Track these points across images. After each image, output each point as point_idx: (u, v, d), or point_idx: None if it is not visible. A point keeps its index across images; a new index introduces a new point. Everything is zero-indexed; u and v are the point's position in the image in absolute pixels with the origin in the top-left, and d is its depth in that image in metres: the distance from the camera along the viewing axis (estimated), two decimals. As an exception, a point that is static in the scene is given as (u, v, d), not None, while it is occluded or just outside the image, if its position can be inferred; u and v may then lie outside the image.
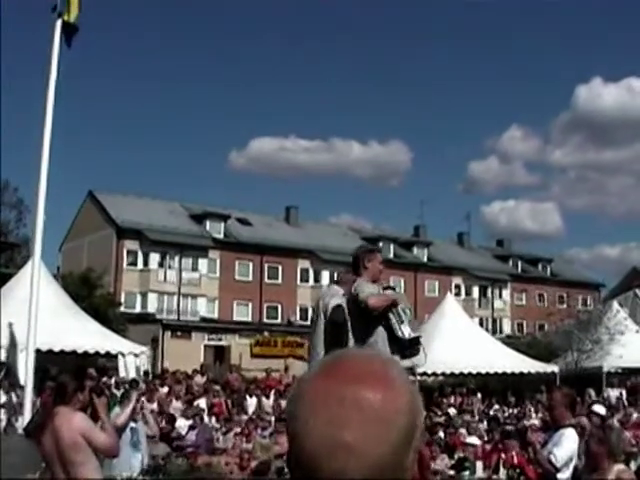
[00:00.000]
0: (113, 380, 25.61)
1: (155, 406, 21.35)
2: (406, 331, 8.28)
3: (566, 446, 8.67)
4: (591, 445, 8.06)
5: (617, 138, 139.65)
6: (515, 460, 14.28)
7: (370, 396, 1.39)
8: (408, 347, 8.16)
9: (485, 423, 21.60)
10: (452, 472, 12.44)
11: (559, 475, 8.50)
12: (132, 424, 12.84)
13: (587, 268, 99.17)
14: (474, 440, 16.23)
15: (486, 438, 17.24)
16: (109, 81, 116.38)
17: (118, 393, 23.66)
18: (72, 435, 7.35)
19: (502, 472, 12.08)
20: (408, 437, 1.40)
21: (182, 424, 18.53)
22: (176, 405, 22.10)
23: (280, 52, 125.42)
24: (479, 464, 12.67)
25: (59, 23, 15.18)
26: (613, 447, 7.55)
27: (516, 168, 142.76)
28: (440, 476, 11.57)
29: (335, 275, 11.01)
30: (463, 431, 18.52)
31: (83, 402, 8.00)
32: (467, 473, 11.69)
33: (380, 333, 8.29)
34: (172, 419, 19.16)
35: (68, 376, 8.11)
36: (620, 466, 7.48)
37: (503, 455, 14.71)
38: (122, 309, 56.74)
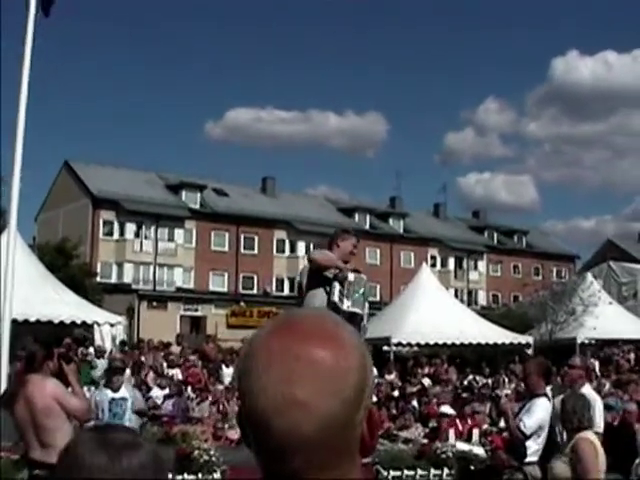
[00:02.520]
0: (92, 349, 25.60)
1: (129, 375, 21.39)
2: (345, 303, 8.26)
3: (536, 415, 8.79)
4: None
5: (592, 111, 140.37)
6: (485, 426, 14.46)
7: (322, 354, 1.42)
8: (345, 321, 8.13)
9: (459, 392, 21.74)
10: (425, 440, 12.56)
11: (528, 443, 8.62)
12: (114, 395, 12.87)
13: (562, 240, 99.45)
14: (447, 409, 16.36)
15: (459, 408, 17.37)
16: (85, 50, 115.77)
17: (99, 362, 23.74)
18: (45, 401, 7.40)
19: (474, 439, 12.21)
20: (359, 394, 1.44)
21: (157, 394, 18.58)
22: (150, 374, 22.13)
23: (257, 23, 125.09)
24: (451, 432, 12.79)
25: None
26: (567, 414, 7.65)
27: (492, 140, 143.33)
28: (413, 445, 11.68)
29: (311, 246, 11.05)
30: (436, 400, 18.66)
31: (53, 369, 8.05)
32: (439, 442, 11.82)
33: (319, 294, 8.31)
34: (147, 389, 19.22)
35: (37, 345, 8.15)
36: (582, 434, 7.56)
37: (473, 422, 14.90)
38: (98, 279, 56.66)
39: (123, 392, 13.02)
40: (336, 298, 8.19)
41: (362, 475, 1.52)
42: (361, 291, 8.51)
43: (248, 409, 1.44)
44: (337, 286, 8.27)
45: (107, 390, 12.97)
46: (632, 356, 30.88)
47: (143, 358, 25.02)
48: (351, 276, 8.50)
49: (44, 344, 8.57)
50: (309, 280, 8.40)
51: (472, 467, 10.93)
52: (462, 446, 11.51)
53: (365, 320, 8.60)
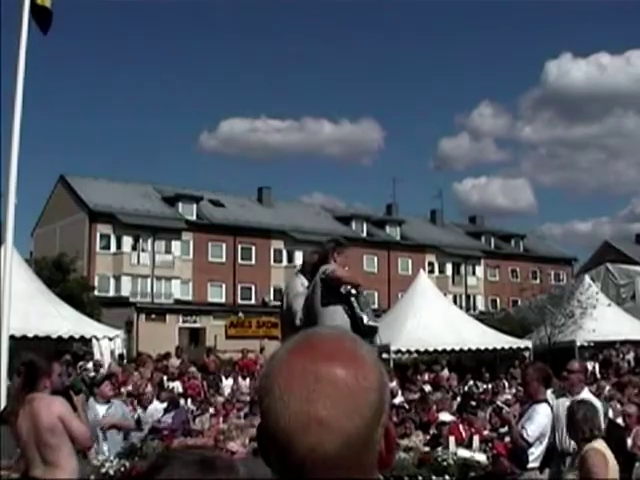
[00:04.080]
0: (90, 364, 25.54)
1: (130, 388, 21.37)
2: (365, 317, 8.39)
3: (538, 421, 8.80)
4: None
5: (587, 114, 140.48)
6: (485, 433, 14.43)
7: (343, 373, 1.44)
8: (365, 334, 8.22)
9: (459, 399, 21.73)
10: (427, 448, 12.54)
11: (531, 450, 8.61)
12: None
13: (559, 243, 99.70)
14: (446, 416, 16.34)
15: (459, 414, 17.35)
16: (79, 64, 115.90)
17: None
18: (51, 418, 7.37)
19: (475, 445, 12.19)
20: (378, 412, 1.47)
21: (157, 407, 18.53)
22: (148, 388, 22.09)
23: (250, 33, 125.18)
24: (452, 439, 12.76)
25: (28, 4, 15.07)
26: (578, 423, 7.60)
27: (487, 144, 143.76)
28: (414, 452, 11.66)
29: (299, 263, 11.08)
30: (436, 407, 18.64)
31: (51, 387, 8.02)
32: (440, 449, 11.80)
33: (339, 310, 8.38)
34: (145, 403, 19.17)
35: (35, 361, 8.11)
36: (592, 444, 7.52)
37: (474, 429, 14.86)
38: (96, 293, 56.70)
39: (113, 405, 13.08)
40: (360, 314, 8.31)
41: None
42: (369, 304, 8.65)
43: (270, 428, 1.46)
44: (354, 302, 8.38)
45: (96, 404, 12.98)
46: (631, 356, 30.90)
47: (142, 371, 24.96)
48: (360, 286, 8.63)
49: (43, 361, 8.54)
50: (324, 296, 8.44)
51: (473, 474, 10.92)
52: (464, 453, 11.50)
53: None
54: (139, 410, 18.18)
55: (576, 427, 7.58)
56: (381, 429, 1.48)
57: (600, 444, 7.53)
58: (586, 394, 10.46)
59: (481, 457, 11.51)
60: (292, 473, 1.44)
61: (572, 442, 10.00)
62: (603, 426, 10.10)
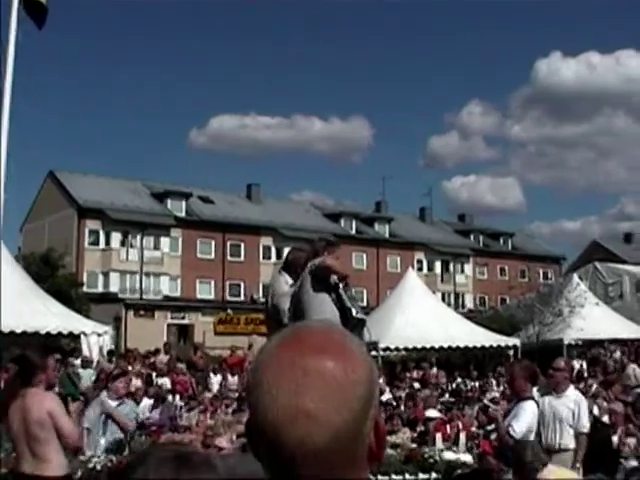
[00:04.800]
0: (79, 360, 25.50)
1: (123, 384, 21.30)
2: (354, 310, 8.40)
3: (524, 418, 8.84)
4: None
5: (576, 112, 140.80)
6: (473, 429, 14.47)
7: (332, 366, 1.44)
8: (354, 327, 8.22)
9: (447, 396, 21.80)
10: (414, 445, 12.57)
11: (518, 446, 8.63)
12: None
13: (548, 242, 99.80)
14: (434, 413, 16.36)
15: (446, 411, 17.41)
16: (70, 61, 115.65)
17: (85, 372, 23.75)
18: (41, 412, 7.38)
19: (462, 442, 12.22)
20: (367, 406, 1.46)
21: (145, 403, 18.54)
22: (137, 384, 22.07)
23: (241, 31, 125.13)
24: (438, 436, 12.79)
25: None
26: (532, 462, 7.59)
27: (476, 143, 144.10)
28: (401, 449, 11.69)
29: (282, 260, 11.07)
30: (424, 404, 18.68)
31: (47, 382, 8.01)
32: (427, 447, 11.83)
33: (327, 300, 8.39)
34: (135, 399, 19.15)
35: (31, 356, 8.09)
36: (546, 474, 7.51)
37: (461, 425, 14.90)
38: (84, 289, 56.57)
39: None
40: (348, 306, 8.32)
41: None
42: (356, 298, 8.67)
43: (258, 421, 1.46)
44: (343, 295, 8.39)
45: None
46: (618, 355, 31.00)
47: (130, 367, 24.94)
48: (348, 279, 8.65)
49: (40, 353, 8.52)
50: (313, 285, 8.43)
51: (460, 471, 10.94)
52: (449, 455, 11.50)
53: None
54: (130, 406, 18.15)
55: (529, 466, 7.52)
56: (370, 423, 1.48)
57: (548, 471, 7.51)
58: (571, 392, 10.53)
59: (467, 457, 11.54)
60: (281, 467, 1.44)
61: (558, 439, 10.09)
62: (584, 422, 10.21)
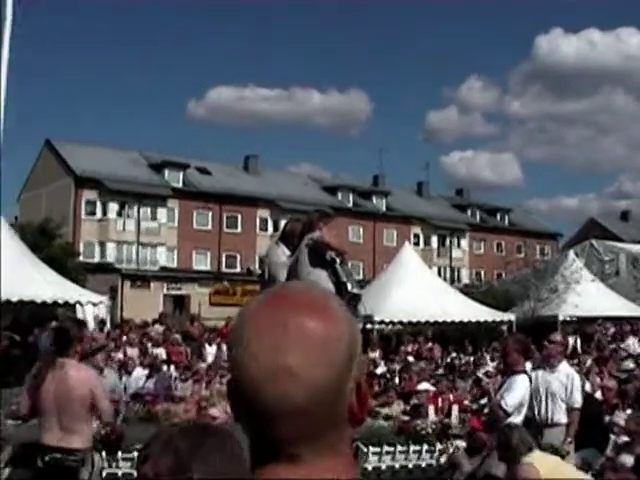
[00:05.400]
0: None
1: (121, 356, 21.39)
2: (349, 285, 8.43)
3: (516, 392, 8.87)
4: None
5: (576, 89, 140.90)
6: (466, 402, 14.54)
7: (312, 324, 1.43)
8: (349, 301, 8.24)
9: (441, 370, 21.86)
10: (406, 417, 12.64)
11: (510, 420, 8.68)
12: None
13: (546, 218, 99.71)
14: (427, 386, 16.44)
15: (440, 384, 17.46)
16: (66, 27, 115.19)
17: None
18: (83, 390, 7.27)
19: (454, 415, 12.30)
20: (348, 364, 1.45)
21: (140, 373, 18.59)
22: (133, 353, 22.12)
23: (239, 2, 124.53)
24: (431, 408, 12.87)
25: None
26: (517, 447, 7.64)
27: (475, 118, 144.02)
28: (394, 421, 11.77)
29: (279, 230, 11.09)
30: (417, 378, 18.76)
31: (81, 353, 7.97)
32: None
33: (323, 275, 8.41)
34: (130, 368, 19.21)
35: (68, 327, 8.03)
36: (526, 459, 7.56)
37: (452, 398, 14.97)
38: (81, 259, 56.47)
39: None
40: (343, 280, 8.34)
41: (350, 445, 1.54)
42: (353, 274, 8.70)
43: (238, 378, 1.45)
44: (340, 270, 8.41)
45: None
46: (611, 331, 31.06)
47: (125, 338, 25.01)
48: (345, 256, 8.68)
49: (77, 323, 8.47)
50: (310, 259, 8.46)
51: (451, 443, 11.03)
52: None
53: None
54: (124, 377, 18.22)
55: (515, 452, 7.58)
56: (352, 382, 1.47)
57: (532, 457, 7.56)
58: (564, 366, 10.59)
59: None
60: (260, 425, 1.43)
61: (550, 414, 10.15)
62: (577, 397, 10.27)
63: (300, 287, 1.60)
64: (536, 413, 10.05)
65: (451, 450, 11.09)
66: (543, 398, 10.18)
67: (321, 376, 1.42)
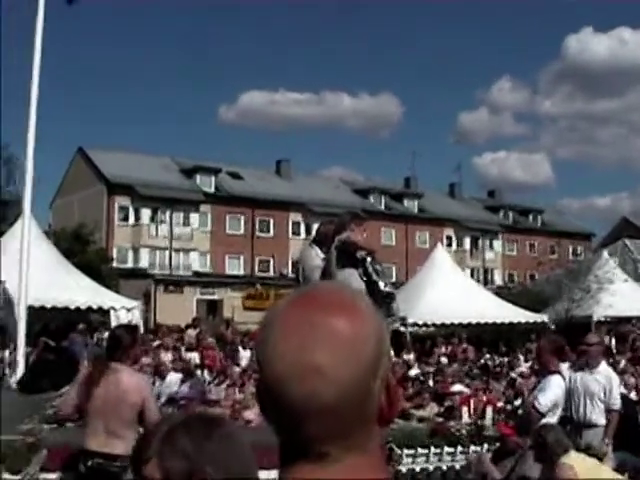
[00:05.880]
0: (106, 334, 25.64)
1: (150, 360, 21.45)
2: (381, 284, 8.39)
3: (550, 392, 8.81)
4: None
5: (607, 88, 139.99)
6: (499, 405, 14.48)
7: (340, 322, 1.42)
8: (382, 300, 8.20)
9: (475, 372, 21.79)
10: (440, 420, 12.61)
11: (544, 420, 8.63)
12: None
13: (578, 218, 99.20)
14: (461, 387, 16.40)
15: (474, 385, 17.41)
16: (99, 36, 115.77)
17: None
18: (136, 397, 7.24)
19: (488, 417, 12.25)
20: (376, 363, 1.44)
21: (173, 378, 18.63)
22: (167, 358, 22.18)
23: (269, 6, 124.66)
24: (465, 410, 12.84)
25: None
26: (553, 447, 7.60)
27: (506, 119, 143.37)
28: (428, 423, 11.75)
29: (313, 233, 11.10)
30: (451, 380, 18.72)
31: (134, 358, 7.98)
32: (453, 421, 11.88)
33: (354, 275, 8.39)
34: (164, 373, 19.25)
35: (123, 330, 8.04)
36: (564, 459, 7.53)
37: (486, 399, 14.91)
38: (114, 265, 56.78)
39: None
40: (374, 278, 8.31)
41: (379, 445, 1.52)
42: (385, 273, 8.67)
43: (265, 377, 1.45)
44: (370, 267, 8.38)
45: None
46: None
47: (159, 342, 25.07)
48: (375, 254, 8.66)
49: (129, 329, 8.48)
50: (340, 260, 8.44)
51: (486, 445, 11.00)
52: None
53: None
54: (157, 382, 18.25)
55: (552, 452, 7.56)
56: (380, 381, 1.46)
57: (569, 458, 7.53)
58: (603, 367, 10.52)
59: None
60: (288, 424, 1.43)
61: (589, 415, 10.09)
62: (619, 401, 10.21)
63: (328, 287, 1.60)
64: (574, 414, 10.00)
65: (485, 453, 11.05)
66: (582, 399, 10.12)
67: (349, 375, 1.41)
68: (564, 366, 9.94)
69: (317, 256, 9.08)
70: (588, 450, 9.13)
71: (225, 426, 2.04)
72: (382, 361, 1.47)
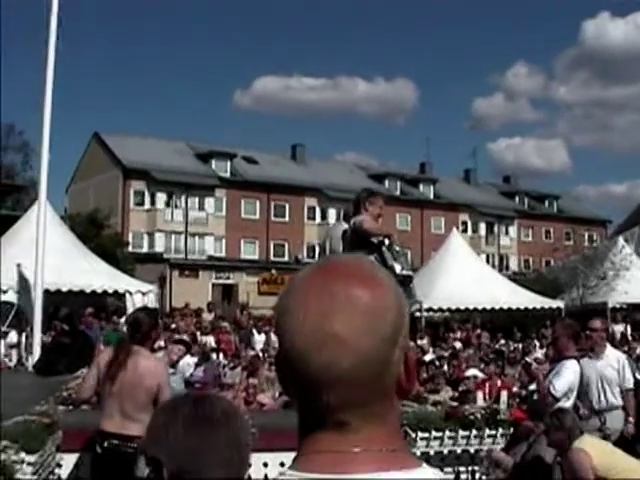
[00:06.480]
0: (124, 319, 25.73)
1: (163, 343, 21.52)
2: (397, 267, 8.39)
3: (565, 377, 8.82)
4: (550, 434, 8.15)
5: (624, 74, 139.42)
6: (515, 389, 14.46)
7: (360, 291, 1.44)
8: (399, 284, 8.18)
9: (490, 357, 21.77)
10: (455, 404, 12.61)
11: (559, 405, 8.63)
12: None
13: (594, 205, 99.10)
14: (476, 372, 16.39)
15: (488, 370, 17.40)
16: (112, 19, 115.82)
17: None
18: (152, 381, 7.25)
19: (503, 401, 12.23)
20: (395, 332, 1.45)
21: (189, 361, 18.68)
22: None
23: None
24: (479, 394, 12.83)
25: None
26: (570, 430, 7.63)
27: (522, 105, 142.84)
28: (442, 407, 11.74)
29: (342, 212, 11.16)
30: (466, 364, 18.74)
31: (154, 340, 8.01)
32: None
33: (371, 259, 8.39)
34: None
35: (143, 313, 8.06)
36: (577, 443, 7.55)
37: (500, 384, 14.91)
38: (130, 249, 56.95)
39: None
40: (390, 263, 8.31)
41: (397, 416, 1.53)
42: (402, 253, 8.64)
43: (285, 346, 1.46)
44: (386, 252, 8.38)
45: None
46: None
47: (174, 326, 25.13)
48: (392, 236, 8.66)
49: (150, 312, 8.49)
50: (353, 247, 8.45)
51: (500, 429, 11.00)
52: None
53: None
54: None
55: (566, 434, 7.58)
56: (399, 352, 1.47)
57: (581, 442, 7.55)
58: (610, 351, 10.54)
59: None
60: (307, 393, 1.44)
61: (610, 398, 10.10)
62: (629, 377, 10.23)
63: (349, 258, 1.59)
64: (594, 401, 10.02)
65: (499, 438, 11.06)
66: (599, 386, 10.12)
67: (367, 344, 1.42)
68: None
69: (344, 231, 9.09)
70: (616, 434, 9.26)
71: (221, 415, 2.06)
72: (401, 331, 1.48)
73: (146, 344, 7.62)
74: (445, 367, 19.60)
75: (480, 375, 16.18)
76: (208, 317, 28.24)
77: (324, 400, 1.43)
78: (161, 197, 67.62)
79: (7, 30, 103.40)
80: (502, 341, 28.33)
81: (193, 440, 2.04)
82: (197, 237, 68.10)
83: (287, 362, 1.46)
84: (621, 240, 40.24)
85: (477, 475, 10.91)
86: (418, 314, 28.58)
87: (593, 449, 7.46)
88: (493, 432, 11.11)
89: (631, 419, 10.09)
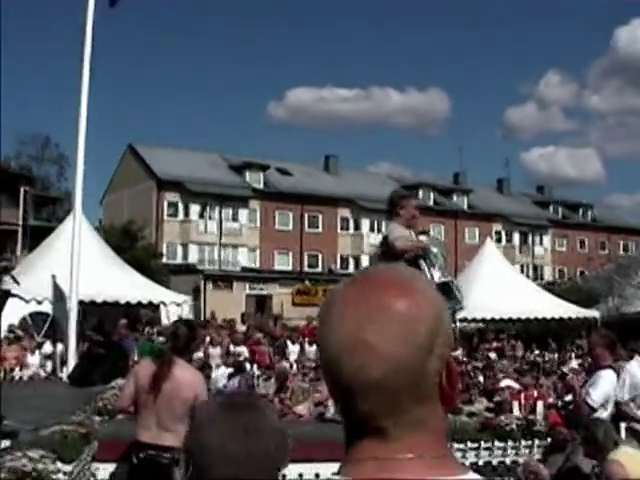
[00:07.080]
0: (155, 329, 25.83)
1: (201, 354, 21.55)
2: (436, 275, 8.32)
3: (602, 387, 8.75)
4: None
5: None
6: (550, 400, 14.37)
7: (394, 301, 1.46)
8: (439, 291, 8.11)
9: (525, 367, 21.66)
10: (490, 415, 12.55)
11: (596, 415, 8.57)
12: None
13: (629, 214, 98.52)
14: (511, 383, 16.32)
15: (523, 381, 17.31)
16: (147, 33, 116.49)
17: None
18: (189, 394, 7.25)
19: (539, 412, 12.16)
20: (429, 342, 1.46)
21: (223, 372, 18.71)
22: (215, 352, 22.28)
23: (317, 2, 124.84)
24: (515, 405, 12.78)
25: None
26: (603, 442, 7.56)
27: (554, 114, 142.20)
28: (477, 418, 11.69)
29: (375, 224, 11.12)
30: (502, 375, 18.64)
31: (193, 352, 8.03)
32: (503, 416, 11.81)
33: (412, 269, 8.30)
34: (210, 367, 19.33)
35: (183, 324, 8.08)
36: (610, 455, 7.48)
37: (536, 394, 14.82)
38: (164, 260, 57.16)
39: None
40: (428, 274, 8.24)
41: (442, 423, 1.53)
42: (439, 255, 8.56)
43: (323, 355, 1.51)
44: (423, 263, 8.32)
45: None
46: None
47: (208, 338, 25.17)
48: (424, 239, 8.58)
49: (189, 324, 8.51)
50: (388, 259, 8.39)
51: (537, 440, 10.94)
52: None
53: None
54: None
55: (600, 446, 7.51)
56: (438, 361, 1.47)
57: (616, 453, 7.48)
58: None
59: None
60: (344, 399, 1.47)
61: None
62: None
63: (386, 268, 1.61)
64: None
65: (536, 449, 11.00)
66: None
67: (399, 352, 1.43)
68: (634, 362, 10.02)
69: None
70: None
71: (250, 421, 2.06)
72: (439, 341, 1.48)
73: (184, 355, 7.62)
74: (480, 378, 19.53)
75: (515, 386, 16.11)
76: (241, 328, 28.26)
77: (358, 406, 1.46)
78: (195, 208, 67.79)
79: (44, 43, 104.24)
80: (536, 351, 28.17)
81: (233, 446, 2.04)
82: (231, 248, 68.23)
83: (325, 369, 1.51)
84: (657, 249, 40.03)
85: (514, 486, 10.84)
86: (452, 325, 28.42)
87: (628, 460, 7.39)
88: (529, 443, 11.05)
89: None
